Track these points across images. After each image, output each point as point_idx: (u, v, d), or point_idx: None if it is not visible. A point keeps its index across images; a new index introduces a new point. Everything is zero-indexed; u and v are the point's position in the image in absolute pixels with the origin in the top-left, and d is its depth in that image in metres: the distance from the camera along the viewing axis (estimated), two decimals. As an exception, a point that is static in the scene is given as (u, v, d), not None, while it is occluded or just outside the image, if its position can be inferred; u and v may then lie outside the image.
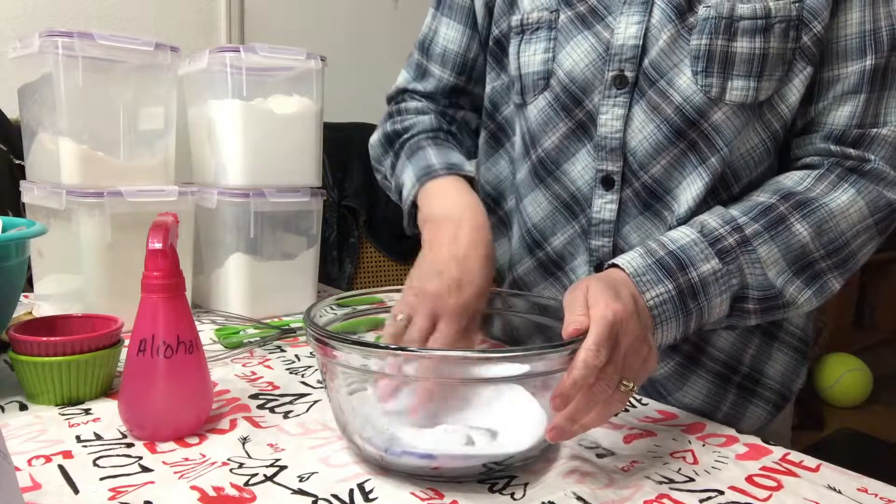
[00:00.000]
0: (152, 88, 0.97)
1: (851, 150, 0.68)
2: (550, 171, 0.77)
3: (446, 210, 0.71)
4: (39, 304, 0.99)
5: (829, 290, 0.67)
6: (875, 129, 0.68)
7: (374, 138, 0.91)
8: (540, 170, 0.78)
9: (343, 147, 1.89)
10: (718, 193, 0.71)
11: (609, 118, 0.72)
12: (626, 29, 0.70)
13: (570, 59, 0.73)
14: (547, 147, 0.77)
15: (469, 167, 0.77)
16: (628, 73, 0.70)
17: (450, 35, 0.87)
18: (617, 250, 0.74)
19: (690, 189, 0.70)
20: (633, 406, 0.73)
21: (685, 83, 0.68)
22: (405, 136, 0.84)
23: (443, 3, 0.88)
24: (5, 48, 0.97)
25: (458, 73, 0.88)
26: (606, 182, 0.73)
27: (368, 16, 2.12)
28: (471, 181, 0.75)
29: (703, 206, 0.70)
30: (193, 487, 0.53)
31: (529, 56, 0.77)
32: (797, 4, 0.65)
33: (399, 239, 2.07)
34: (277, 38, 1.89)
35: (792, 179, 0.69)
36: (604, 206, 0.74)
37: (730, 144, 0.69)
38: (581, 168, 0.75)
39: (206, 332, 0.93)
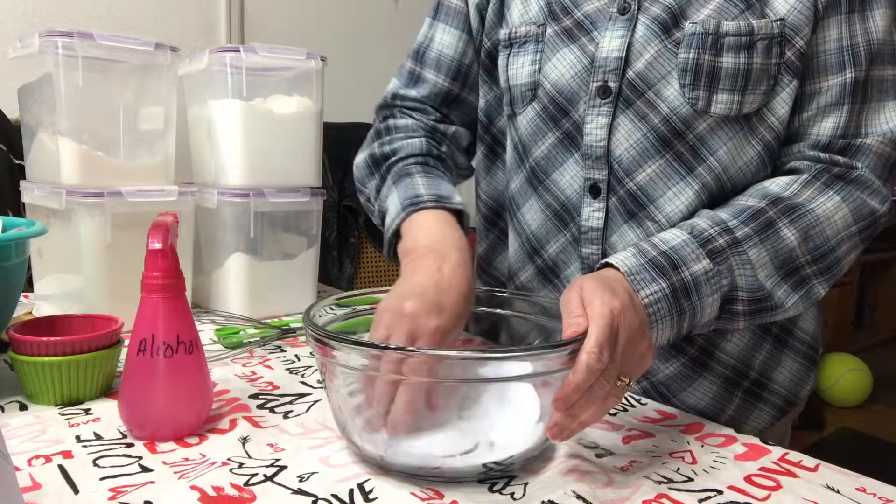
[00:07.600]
0: (152, 88, 0.97)
1: (839, 158, 0.70)
2: (541, 180, 0.78)
3: (431, 244, 0.67)
4: (39, 304, 0.99)
5: (814, 296, 0.68)
6: (859, 140, 0.69)
7: (360, 158, 0.88)
8: (532, 179, 0.79)
9: (343, 147, 1.88)
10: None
11: (594, 127, 0.73)
12: (609, 42, 0.72)
13: (556, 71, 0.75)
14: (537, 157, 0.78)
15: (458, 199, 0.75)
16: (612, 84, 0.72)
17: (446, 40, 0.87)
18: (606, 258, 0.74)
19: (678, 200, 0.71)
20: (632, 406, 0.73)
21: (673, 95, 0.70)
22: (393, 158, 0.82)
23: (440, 10, 0.89)
24: (5, 48, 0.97)
25: (452, 79, 0.87)
26: (594, 190, 0.74)
27: (368, 16, 2.12)
28: (458, 215, 0.73)
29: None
30: (193, 487, 0.53)
31: (517, 68, 0.79)
32: (778, 23, 0.68)
33: (399, 239, 2.07)
34: (277, 38, 1.89)
35: (778, 185, 0.70)
36: (591, 214, 0.75)
37: (716, 155, 0.70)
38: (570, 177, 0.76)
39: (206, 332, 0.93)
